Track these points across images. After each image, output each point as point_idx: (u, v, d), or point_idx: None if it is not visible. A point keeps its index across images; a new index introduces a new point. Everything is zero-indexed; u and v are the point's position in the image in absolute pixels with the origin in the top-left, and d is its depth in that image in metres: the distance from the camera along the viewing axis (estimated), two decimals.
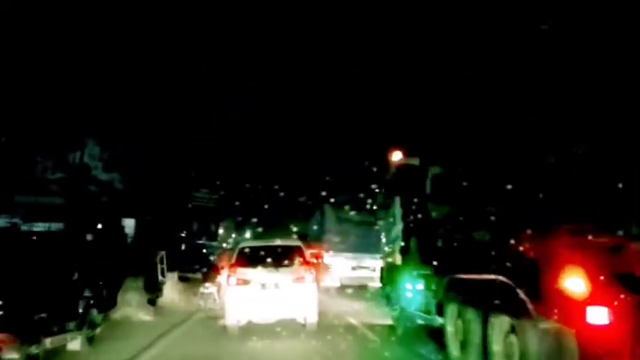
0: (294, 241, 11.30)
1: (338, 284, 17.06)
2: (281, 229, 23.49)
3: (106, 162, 24.55)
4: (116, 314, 11.45)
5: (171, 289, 14.48)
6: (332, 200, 20.12)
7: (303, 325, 9.51)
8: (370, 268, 16.17)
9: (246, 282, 9.38)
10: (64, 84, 21.68)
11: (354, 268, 17.22)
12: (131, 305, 11.51)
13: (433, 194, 8.01)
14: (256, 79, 33.33)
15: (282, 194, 31.74)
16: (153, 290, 14.33)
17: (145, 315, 11.67)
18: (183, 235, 41.37)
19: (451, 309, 6.76)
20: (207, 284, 14.41)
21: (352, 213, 18.44)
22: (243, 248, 10.36)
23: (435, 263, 7.29)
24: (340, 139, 26.04)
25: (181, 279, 22.64)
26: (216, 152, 33.05)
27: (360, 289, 16.33)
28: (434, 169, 8.17)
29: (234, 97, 32.31)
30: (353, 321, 11.08)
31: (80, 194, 23.16)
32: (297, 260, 9.84)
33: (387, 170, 10.08)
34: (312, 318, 9.46)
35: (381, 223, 11.02)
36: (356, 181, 21.56)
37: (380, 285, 11.10)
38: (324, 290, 14.85)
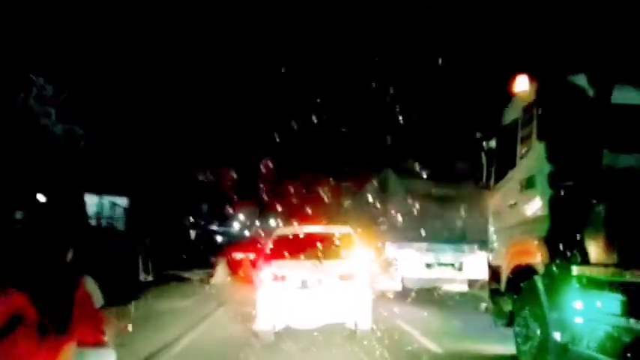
0: (343, 228, 9.27)
1: (399, 288, 12.72)
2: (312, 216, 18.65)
3: (62, 107, 16.81)
4: None
5: None
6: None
7: (354, 333, 7.92)
8: (454, 265, 12.51)
9: (283, 278, 7.83)
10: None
11: (428, 266, 12.62)
12: None
13: None
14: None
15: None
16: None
17: None
18: (191, 220, 33.78)
19: None
20: None
21: (429, 182, 12.85)
22: (280, 236, 8.91)
23: None
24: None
25: (173, 279, 17.12)
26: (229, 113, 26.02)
27: (430, 294, 12.82)
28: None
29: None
30: (439, 349, 7.27)
31: (17, 151, 15.53)
32: (347, 251, 8.23)
33: (508, 108, 6.59)
34: (364, 324, 7.85)
35: (489, 195, 7.29)
36: (432, 137, 15.17)
37: (485, 294, 7.99)
38: (380, 296, 11.59)
